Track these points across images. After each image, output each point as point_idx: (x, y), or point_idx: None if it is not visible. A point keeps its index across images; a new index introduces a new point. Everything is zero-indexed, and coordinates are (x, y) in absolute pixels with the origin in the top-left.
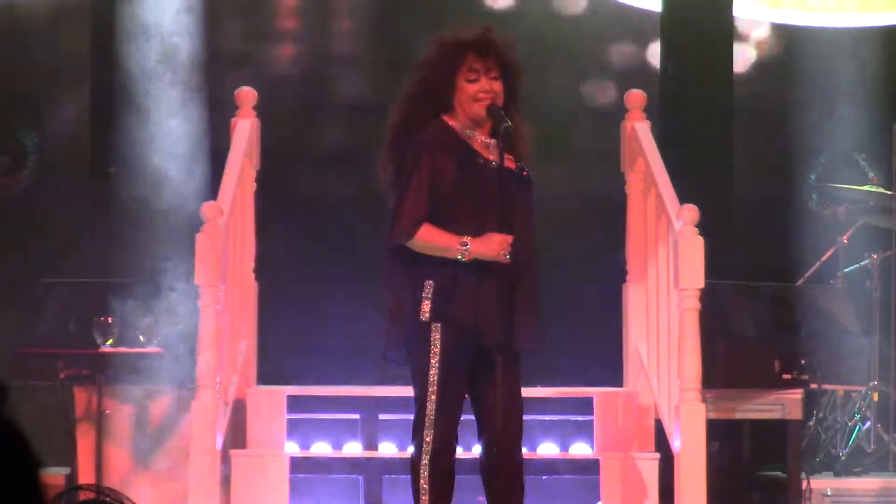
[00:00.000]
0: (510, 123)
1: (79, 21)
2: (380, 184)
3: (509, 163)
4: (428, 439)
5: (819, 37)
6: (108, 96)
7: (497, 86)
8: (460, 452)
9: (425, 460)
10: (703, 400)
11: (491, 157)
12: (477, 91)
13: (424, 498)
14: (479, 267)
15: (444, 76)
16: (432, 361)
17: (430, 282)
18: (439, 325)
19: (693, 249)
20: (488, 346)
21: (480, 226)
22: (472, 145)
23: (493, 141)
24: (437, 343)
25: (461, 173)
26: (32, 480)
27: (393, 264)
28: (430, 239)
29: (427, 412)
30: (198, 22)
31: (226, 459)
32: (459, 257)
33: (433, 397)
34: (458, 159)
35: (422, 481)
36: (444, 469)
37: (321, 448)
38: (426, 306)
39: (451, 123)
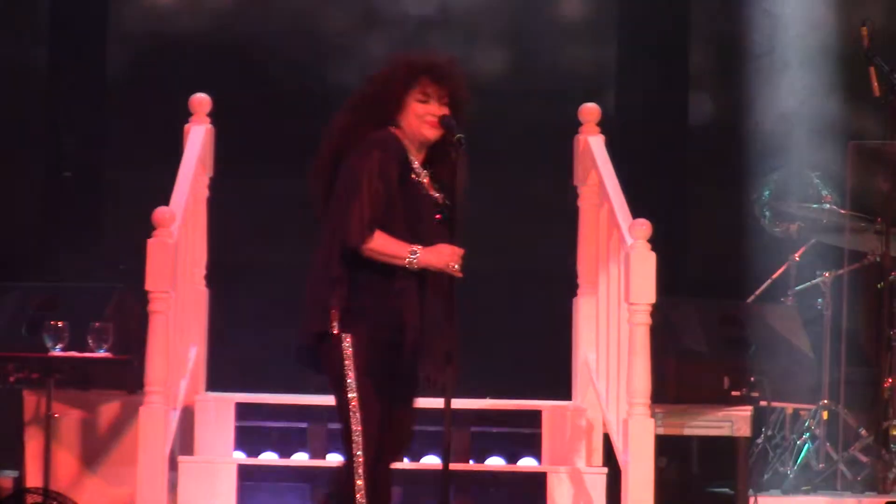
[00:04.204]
0: (462, 136)
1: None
2: (310, 194)
3: (432, 190)
4: (358, 453)
5: None
6: (64, 98)
7: (445, 112)
8: (406, 462)
9: (359, 473)
10: (653, 415)
11: (424, 181)
12: (426, 112)
13: None
14: (418, 280)
15: (395, 92)
16: (348, 373)
17: (341, 292)
18: (349, 335)
19: (645, 264)
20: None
21: (414, 240)
22: (410, 162)
23: (424, 171)
24: (350, 354)
25: (402, 184)
26: None
27: (324, 261)
28: (382, 246)
29: (352, 426)
30: None
31: (174, 466)
32: (407, 265)
33: (355, 409)
34: (401, 169)
35: (358, 496)
36: (379, 480)
37: (269, 456)
38: (335, 315)
39: (398, 133)
